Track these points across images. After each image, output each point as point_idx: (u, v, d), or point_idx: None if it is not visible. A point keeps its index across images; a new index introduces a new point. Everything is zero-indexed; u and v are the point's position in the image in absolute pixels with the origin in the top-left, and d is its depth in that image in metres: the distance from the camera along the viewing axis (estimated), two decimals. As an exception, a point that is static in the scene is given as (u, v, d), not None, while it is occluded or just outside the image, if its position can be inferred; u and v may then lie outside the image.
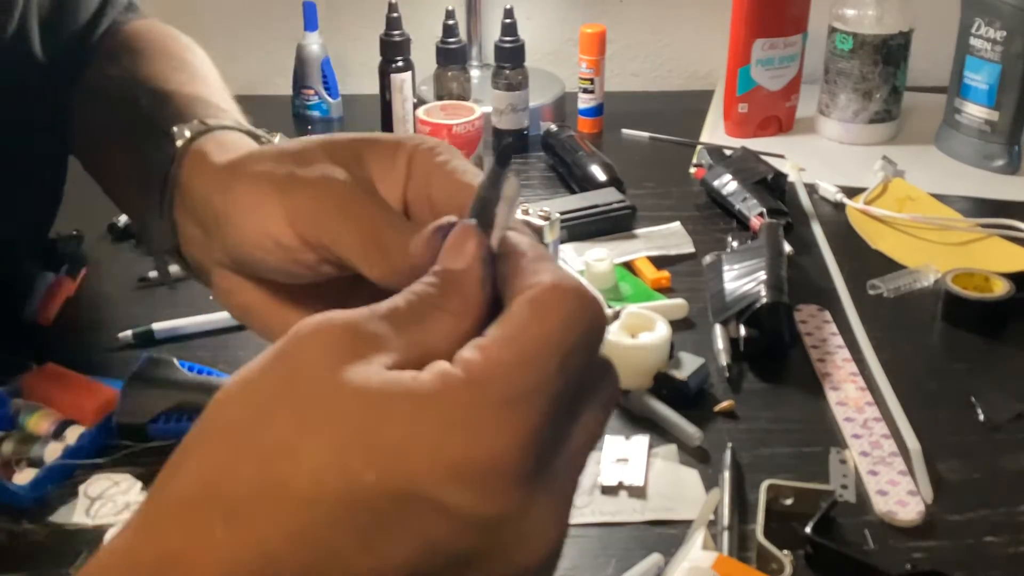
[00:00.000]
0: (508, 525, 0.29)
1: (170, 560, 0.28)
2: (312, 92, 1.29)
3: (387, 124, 1.20)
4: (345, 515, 0.28)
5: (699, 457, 0.72)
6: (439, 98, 1.20)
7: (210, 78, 0.68)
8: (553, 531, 0.30)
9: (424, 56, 1.22)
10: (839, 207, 1.07)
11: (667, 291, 0.91)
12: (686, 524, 0.66)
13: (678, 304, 0.87)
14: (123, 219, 1.01)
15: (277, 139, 0.55)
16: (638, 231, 1.01)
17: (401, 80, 1.18)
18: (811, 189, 1.10)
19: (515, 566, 0.30)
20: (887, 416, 0.75)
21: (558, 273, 0.32)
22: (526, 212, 0.89)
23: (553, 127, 1.16)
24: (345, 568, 0.28)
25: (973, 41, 1.14)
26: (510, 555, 0.30)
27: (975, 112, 1.15)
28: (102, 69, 0.73)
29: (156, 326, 0.85)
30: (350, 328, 0.30)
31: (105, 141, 0.68)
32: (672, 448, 0.73)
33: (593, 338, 0.31)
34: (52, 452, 0.69)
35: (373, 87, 1.21)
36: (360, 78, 1.37)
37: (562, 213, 0.95)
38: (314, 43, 1.27)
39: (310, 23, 1.26)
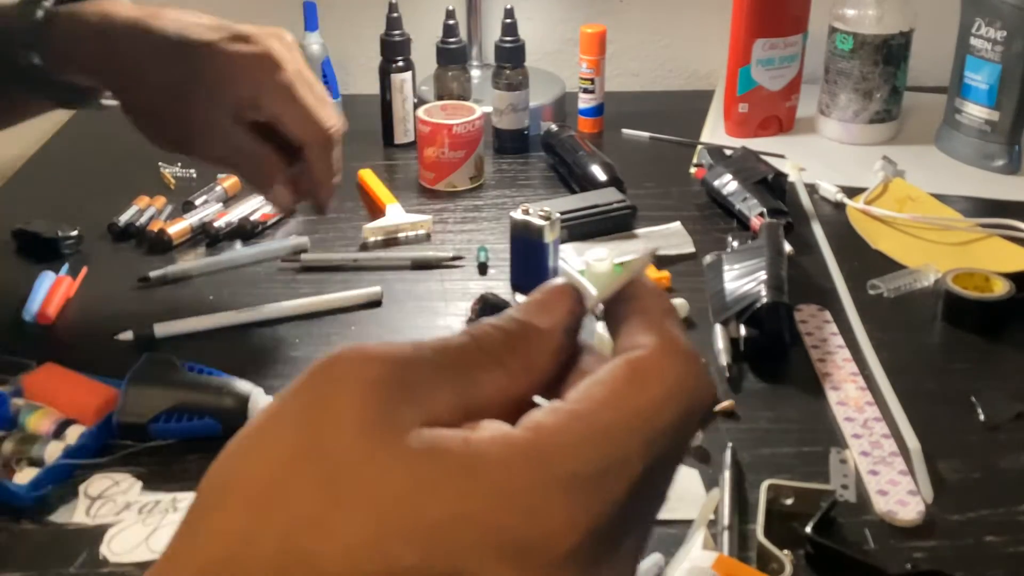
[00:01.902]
0: None
1: None
2: (312, 92, 1.28)
3: (387, 124, 1.20)
4: None
5: (699, 457, 0.72)
6: (439, 98, 1.20)
7: None
8: None
9: (424, 56, 1.22)
10: (839, 207, 1.07)
11: (667, 291, 0.91)
12: (686, 524, 0.66)
13: (678, 304, 0.87)
14: (123, 219, 1.02)
15: None
16: (638, 231, 1.01)
17: (401, 80, 1.18)
18: (811, 189, 1.10)
19: None
20: (887, 416, 0.75)
21: (672, 336, 0.29)
22: (526, 212, 0.89)
23: (553, 127, 1.16)
24: None
25: (973, 41, 1.14)
26: None
27: (975, 112, 1.15)
28: None
29: (156, 326, 0.85)
30: (390, 371, 0.26)
31: None
32: (672, 448, 0.73)
33: (694, 421, 0.28)
34: (52, 452, 0.69)
35: (373, 87, 1.21)
36: (360, 78, 1.37)
37: (562, 213, 0.95)
38: (314, 43, 1.27)
39: (310, 23, 1.26)
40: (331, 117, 0.79)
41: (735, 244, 0.94)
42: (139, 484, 0.69)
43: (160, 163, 1.14)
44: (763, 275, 0.84)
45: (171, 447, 0.72)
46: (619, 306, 0.30)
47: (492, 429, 0.26)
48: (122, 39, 0.74)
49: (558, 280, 0.30)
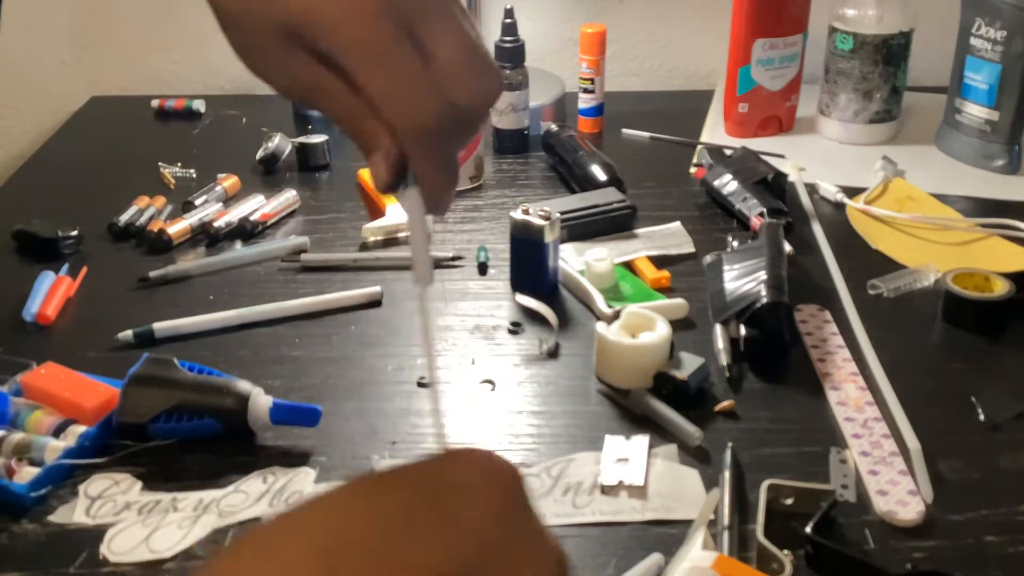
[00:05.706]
0: None
1: None
2: (312, 92, 1.28)
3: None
4: None
5: (699, 457, 0.72)
6: (439, 98, 1.19)
7: None
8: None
9: (424, 56, 1.22)
10: (839, 207, 1.07)
11: (667, 291, 0.91)
12: (686, 524, 0.66)
13: (678, 304, 0.87)
14: (123, 219, 1.02)
15: None
16: (638, 231, 1.01)
17: (401, 80, 1.18)
18: (811, 189, 1.10)
19: None
20: (887, 416, 0.75)
21: None
22: (526, 212, 0.89)
23: (553, 127, 1.16)
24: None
25: (973, 41, 1.14)
26: None
27: (975, 112, 1.15)
28: None
29: (156, 326, 0.85)
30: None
31: None
32: (672, 448, 0.73)
33: None
34: (52, 452, 0.69)
35: (373, 87, 1.20)
36: (360, 78, 1.37)
37: (562, 213, 0.95)
38: (314, 43, 1.27)
39: (310, 23, 1.26)
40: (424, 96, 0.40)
41: (735, 244, 0.94)
42: (139, 484, 0.69)
43: (160, 163, 1.14)
44: (763, 275, 0.84)
45: (171, 447, 0.72)
46: None
47: None
48: None
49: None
